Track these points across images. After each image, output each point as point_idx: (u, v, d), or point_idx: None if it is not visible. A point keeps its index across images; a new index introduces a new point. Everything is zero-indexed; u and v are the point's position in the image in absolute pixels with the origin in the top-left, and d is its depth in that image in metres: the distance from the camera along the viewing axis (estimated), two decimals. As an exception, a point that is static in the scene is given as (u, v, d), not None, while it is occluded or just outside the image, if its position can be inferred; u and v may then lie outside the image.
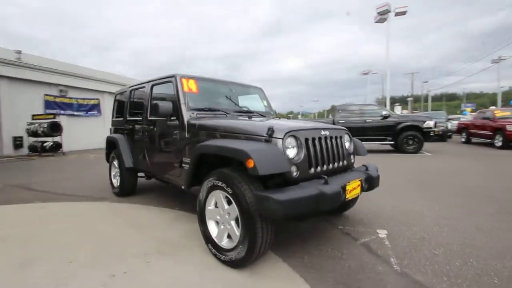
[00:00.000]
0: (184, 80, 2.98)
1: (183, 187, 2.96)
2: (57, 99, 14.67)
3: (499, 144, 9.35)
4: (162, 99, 3.84)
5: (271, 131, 2.03)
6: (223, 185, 2.02)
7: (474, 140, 11.82)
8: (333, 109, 13.26)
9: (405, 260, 2.15)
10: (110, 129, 4.73)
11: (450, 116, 18.89)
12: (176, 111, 2.82)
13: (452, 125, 14.63)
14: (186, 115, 2.78)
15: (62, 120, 13.62)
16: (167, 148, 3.04)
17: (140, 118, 3.60)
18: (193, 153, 2.37)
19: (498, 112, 10.16)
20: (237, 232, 2.00)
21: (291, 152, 2.04)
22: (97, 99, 17.13)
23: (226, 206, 2.10)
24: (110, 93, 18.09)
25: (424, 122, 9.13)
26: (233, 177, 1.97)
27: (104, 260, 2.20)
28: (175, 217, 3.22)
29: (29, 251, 2.39)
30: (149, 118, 3.40)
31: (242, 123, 2.38)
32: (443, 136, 9.33)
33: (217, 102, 3.24)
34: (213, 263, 2.13)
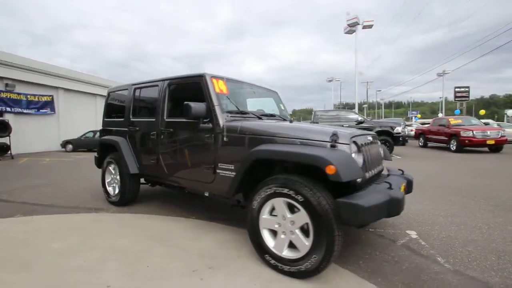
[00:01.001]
0: (214, 80, 2.80)
1: (206, 194, 2.79)
2: (3, 95, 12.76)
3: (454, 148, 10.60)
4: (179, 99, 3.58)
5: (336, 136, 2.01)
6: (291, 192, 1.93)
7: (430, 144, 13.23)
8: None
9: (450, 258, 2.28)
10: (101, 130, 4.24)
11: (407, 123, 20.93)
12: (209, 113, 2.64)
13: (408, 130, 16.30)
14: (222, 118, 2.61)
15: (9, 118, 11.84)
16: (194, 152, 2.81)
17: (152, 119, 3.28)
18: (247, 158, 2.23)
19: (452, 120, 11.54)
20: (305, 241, 1.92)
21: (357, 158, 2.04)
22: (50, 95, 15.29)
23: (289, 215, 2.01)
24: (66, 89, 16.26)
25: (394, 128, 9.95)
26: (305, 184, 1.90)
27: (148, 281, 1.95)
28: (196, 227, 2.99)
29: (46, 280, 2.00)
30: (166, 120, 3.12)
31: (297, 127, 2.31)
32: (403, 141, 10.28)
33: (244, 105, 3.11)
34: (273, 275, 2.01)
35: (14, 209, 3.64)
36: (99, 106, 18.15)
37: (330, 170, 1.76)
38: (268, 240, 2.13)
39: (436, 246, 2.53)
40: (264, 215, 2.14)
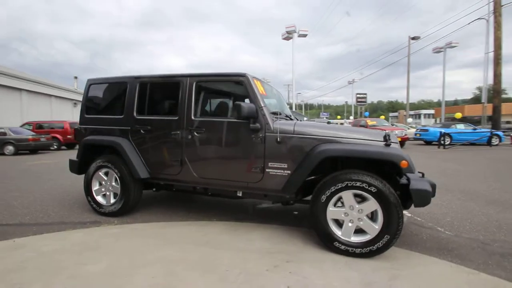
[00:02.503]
0: (255, 81, 2.84)
1: (239, 194, 2.85)
2: None
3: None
4: (211, 98, 3.39)
5: (388, 136, 2.44)
6: (363, 184, 2.25)
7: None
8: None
9: (446, 228, 3.04)
10: (81, 129, 3.56)
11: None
12: (256, 113, 2.68)
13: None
14: (270, 119, 2.70)
15: None
16: (237, 153, 2.78)
17: (173, 118, 3.03)
18: (315, 156, 2.41)
19: (369, 121, 14.08)
20: (374, 225, 2.28)
21: None
22: None
23: (357, 205, 2.33)
24: None
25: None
26: (375, 177, 2.25)
27: (244, 283, 1.94)
28: (229, 229, 2.97)
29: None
30: (195, 119, 2.94)
31: (353, 129, 2.63)
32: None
33: (274, 105, 3.23)
34: (347, 259, 2.28)
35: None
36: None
37: (403, 164, 2.17)
38: (335, 229, 2.40)
39: (429, 219, 3.29)
40: (331, 207, 2.39)
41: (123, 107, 3.30)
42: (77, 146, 3.63)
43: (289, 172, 2.61)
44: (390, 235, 2.22)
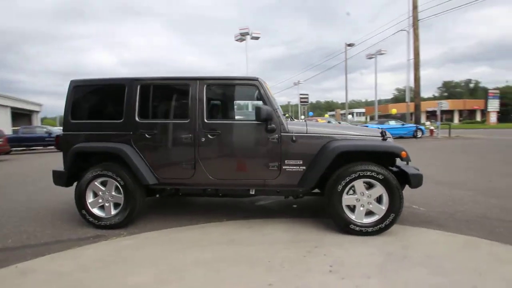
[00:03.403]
0: (266, 85, 3.03)
1: (252, 192, 3.00)
2: None
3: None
4: (223, 100, 3.39)
5: (384, 133, 2.91)
6: (373, 173, 2.66)
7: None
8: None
9: (420, 206, 3.70)
10: (67, 136, 3.21)
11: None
12: (272, 115, 2.88)
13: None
14: (284, 120, 2.93)
15: None
16: (255, 153, 2.92)
17: (184, 121, 3.00)
18: (331, 152, 2.72)
19: (320, 120, 15.34)
20: (382, 207, 2.71)
21: None
22: None
23: (366, 191, 2.73)
24: None
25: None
26: (380, 167, 2.68)
27: (295, 276, 2.13)
28: (243, 227, 3.10)
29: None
30: (209, 121, 2.98)
31: (357, 128, 3.03)
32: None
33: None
34: (363, 238, 2.66)
35: None
36: None
37: (403, 155, 2.65)
38: (349, 213, 2.75)
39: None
40: (345, 195, 2.74)
41: (121, 111, 3.11)
42: (62, 156, 3.26)
43: (304, 168, 2.88)
44: (395, 213, 2.67)
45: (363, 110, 61.72)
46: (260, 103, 3.01)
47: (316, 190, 3.23)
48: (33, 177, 6.85)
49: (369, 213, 2.76)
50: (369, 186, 2.75)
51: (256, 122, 2.88)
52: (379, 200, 2.75)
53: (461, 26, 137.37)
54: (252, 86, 3.00)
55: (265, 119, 2.80)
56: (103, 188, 3.10)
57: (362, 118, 56.98)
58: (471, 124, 36.88)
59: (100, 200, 3.12)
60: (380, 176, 2.66)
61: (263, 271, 2.11)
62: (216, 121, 3.02)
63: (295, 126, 2.92)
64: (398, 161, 3.03)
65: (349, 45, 26.06)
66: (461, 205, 3.67)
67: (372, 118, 45.50)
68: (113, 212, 3.09)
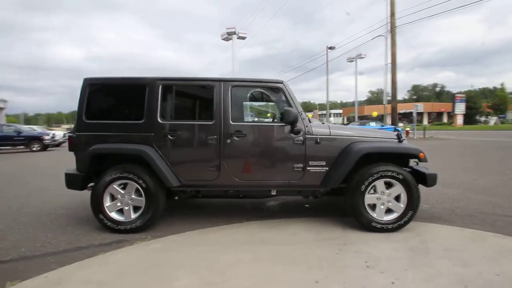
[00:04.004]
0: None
1: (273, 193, 3.10)
2: None
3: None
4: (242, 103, 3.40)
5: (400, 135, 3.11)
6: (394, 173, 2.84)
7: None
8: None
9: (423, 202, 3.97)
10: (81, 137, 3.07)
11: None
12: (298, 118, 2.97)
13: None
14: (307, 122, 3.03)
15: None
16: (281, 154, 2.99)
17: (208, 123, 3.00)
18: (355, 153, 2.85)
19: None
20: (400, 205, 2.89)
21: None
22: None
23: (386, 190, 2.91)
24: None
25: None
26: (399, 167, 2.86)
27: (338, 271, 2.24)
28: (265, 227, 3.16)
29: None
30: (234, 123, 2.99)
31: (375, 130, 3.19)
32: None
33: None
34: (385, 235, 2.83)
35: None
36: None
37: (422, 156, 2.85)
38: (371, 212, 2.91)
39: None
40: (367, 194, 2.90)
41: (141, 111, 3.04)
42: (76, 157, 3.12)
43: (326, 168, 3.00)
44: (413, 210, 2.87)
45: (340, 111, 63.83)
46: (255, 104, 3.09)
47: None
48: (20, 178, 6.39)
49: (388, 211, 2.94)
50: (389, 185, 2.92)
51: (281, 124, 2.96)
52: (397, 198, 2.94)
53: (428, 33, 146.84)
54: (277, 89, 3.07)
55: (292, 122, 2.88)
56: (122, 191, 3.01)
57: (339, 119, 58.97)
58: (439, 125, 39.58)
59: (119, 204, 3.02)
60: (400, 176, 2.84)
61: (305, 270, 2.19)
62: (242, 122, 3.05)
63: (319, 129, 3.03)
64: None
65: (330, 48, 26.88)
66: (457, 202, 4.00)
67: (349, 120, 47.31)
68: (133, 216, 3.01)
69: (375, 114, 27.89)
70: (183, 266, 2.27)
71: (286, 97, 3.03)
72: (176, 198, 3.30)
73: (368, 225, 2.88)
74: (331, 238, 2.78)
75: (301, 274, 2.12)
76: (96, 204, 2.98)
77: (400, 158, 3.11)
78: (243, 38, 22.99)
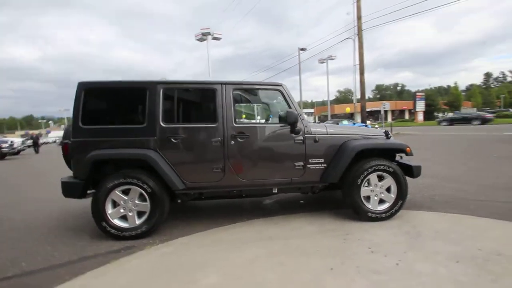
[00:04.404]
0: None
1: (275, 191, 3.26)
2: None
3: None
4: (242, 104, 3.47)
5: (387, 132, 3.42)
6: (385, 167, 3.12)
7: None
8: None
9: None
10: (78, 143, 2.97)
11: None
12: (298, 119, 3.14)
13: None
14: (307, 122, 3.22)
15: None
16: (283, 153, 3.14)
17: (212, 125, 3.06)
18: (351, 150, 3.08)
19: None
20: (391, 195, 3.19)
21: None
22: None
23: (379, 183, 3.19)
24: None
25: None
26: (390, 161, 3.16)
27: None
28: (269, 223, 3.31)
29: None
30: (237, 125, 3.09)
31: (366, 129, 3.46)
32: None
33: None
34: (379, 223, 3.10)
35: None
36: None
37: (408, 150, 3.16)
38: (366, 203, 3.17)
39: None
40: (363, 187, 3.15)
41: (142, 115, 3.02)
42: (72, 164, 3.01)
43: (325, 165, 3.21)
44: (402, 199, 3.18)
45: (312, 110, 65.80)
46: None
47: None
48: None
49: (381, 201, 3.23)
50: (380, 178, 3.21)
51: (282, 124, 3.12)
52: (388, 190, 3.23)
53: (388, 35, 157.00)
54: (276, 91, 3.22)
55: (293, 122, 3.05)
56: (125, 197, 2.96)
57: (311, 118, 60.87)
58: (402, 122, 42.42)
59: (122, 210, 2.98)
60: (391, 169, 3.14)
61: (319, 259, 2.36)
62: (245, 124, 3.15)
63: (317, 128, 3.23)
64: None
65: (302, 49, 27.77)
66: (433, 190, 4.44)
67: (320, 118, 49.03)
68: (138, 221, 2.98)
69: (348, 110, 29.22)
70: (204, 265, 2.33)
71: (285, 98, 3.19)
72: (179, 201, 3.32)
73: (364, 216, 3.14)
74: (333, 230, 2.99)
75: (317, 263, 2.29)
76: (98, 212, 2.91)
77: (387, 153, 3.42)
78: (218, 39, 22.92)
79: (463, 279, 1.97)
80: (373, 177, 3.17)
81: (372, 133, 3.45)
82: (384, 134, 3.42)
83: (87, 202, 3.05)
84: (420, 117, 39.76)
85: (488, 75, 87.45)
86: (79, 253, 2.71)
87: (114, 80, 3.12)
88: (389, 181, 3.19)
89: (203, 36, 22.21)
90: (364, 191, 3.17)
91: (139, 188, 2.94)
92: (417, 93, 40.50)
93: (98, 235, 3.02)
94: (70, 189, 2.99)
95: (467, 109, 36.12)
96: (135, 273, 2.26)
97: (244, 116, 4.75)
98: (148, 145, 3.00)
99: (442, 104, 52.23)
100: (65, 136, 3.33)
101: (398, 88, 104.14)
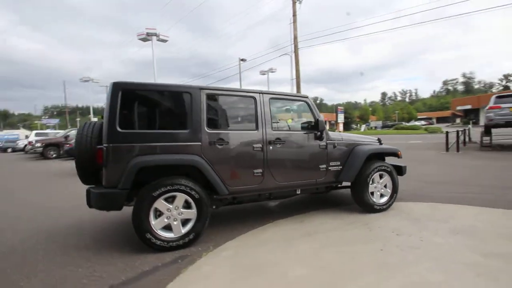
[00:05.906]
0: (311, 100, 3.76)
1: (298, 192, 3.67)
2: None
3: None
4: (274, 112, 3.70)
5: (379, 139, 4.24)
6: (385, 167, 3.89)
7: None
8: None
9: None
10: (115, 148, 2.74)
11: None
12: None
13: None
14: (327, 130, 3.74)
15: None
16: (312, 157, 3.57)
17: (253, 131, 3.27)
18: (363, 153, 3.72)
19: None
20: (389, 190, 3.98)
21: None
22: None
23: (380, 180, 3.94)
24: None
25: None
26: (387, 163, 3.96)
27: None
28: (293, 222, 3.66)
29: None
30: (275, 132, 3.37)
31: (366, 136, 4.16)
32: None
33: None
34: (384, 213, 3.81)
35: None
36: None
37: (399, 155, 4.02)
38: (372, 198, 3.87)
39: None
40: (369, 185, 3.84)
41: (185, 120, 3.00)
42: (104, 171, 2.73)
43: (340, 167, 3.79)
44: (396, 193, 4.01)
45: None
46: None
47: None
48: None
49: (381, 195, 3.98)
50: (380, 176, 3.96)
51: (311, 131, 3.57)
52: (385, 186, 4.01)
53: (309, 55, 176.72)
54: (303, 102, 3.65)
55: (322, 130, 3.53)
56: (170, 206, 2.87)
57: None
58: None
59: (165, 219, 2.87)
60: (388, 169, 3.93)
61: (364, 245, 2.85)
62: (280, 131, 3.46)
63: (334, 136, 3.80)
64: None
65: (242, 59, 28.89)
66: (400, 186, 5.54)
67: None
68: (183, 230, 2.91)
69: (289, 121, 31.54)
70: (277, 261, 2.53)
71: (310, 108, 3.66)
72: (214, 207, 3.35)
73: (371, 208, 3.82)
74: (353, 222, 3.55)
75: (366, 247, 2.77)
76: (141, 223, 2.74)
77: (382, 155, 4.23)
78: (165, 41, 21.71)
79: (468, 243, 2.76)
80: (376, 176, 3.89)
81: (370, 139, 4.22)
82: (377, 141, 4.23)
83: (94, 213, 2.81)
84: (341, 127, 46.14)
85: (384, 94, 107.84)
86: (133, 270, 2.50)
87: (154, 83, 3.03)
88: (386, 179, 3.97)
89: (147, 36, 20.72)
90: (371, 188, 3.87)
91: (186, 195, 2.90)
92: (338, 107, 46.92)
93: (136, 249, 2.83)
94: (109, 200, 2.72)
95: (376, 122, 43.69)
96: (220, 278, 2.30)
97: (289, 120, 4.90)
98: (193, 151, 2.99)
99: (357, 117, 61.76)
100: (80, 141, 2.98)
101: (318, 101, 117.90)
